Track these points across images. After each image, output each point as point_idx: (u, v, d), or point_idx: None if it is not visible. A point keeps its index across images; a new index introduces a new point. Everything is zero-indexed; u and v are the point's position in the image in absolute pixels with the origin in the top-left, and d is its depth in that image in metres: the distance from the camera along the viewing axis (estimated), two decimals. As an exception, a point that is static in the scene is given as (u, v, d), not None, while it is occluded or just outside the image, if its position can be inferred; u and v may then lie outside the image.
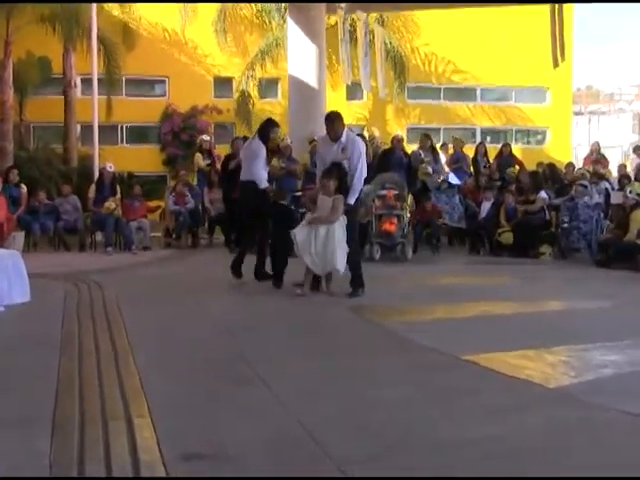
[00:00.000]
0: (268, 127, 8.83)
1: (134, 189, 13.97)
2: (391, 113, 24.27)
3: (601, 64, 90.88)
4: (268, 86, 23.04)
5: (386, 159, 13.54)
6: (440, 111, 24.53)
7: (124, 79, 20.37)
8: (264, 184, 8.69)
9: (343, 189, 7.83)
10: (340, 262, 7.81)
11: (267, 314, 7.32)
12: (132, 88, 21.75)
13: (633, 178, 14.91)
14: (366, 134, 17.31)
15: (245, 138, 14.28)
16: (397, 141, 13.98)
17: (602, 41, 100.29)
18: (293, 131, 15.58)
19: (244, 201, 8.95)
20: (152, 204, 14.88)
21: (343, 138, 7.94)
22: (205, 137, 15.69)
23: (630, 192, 11.66)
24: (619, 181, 14.91)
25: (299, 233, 7.80)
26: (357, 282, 8.12)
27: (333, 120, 8.08)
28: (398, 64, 22.56)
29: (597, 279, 10.35)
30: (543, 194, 13.04)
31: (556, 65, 16.96)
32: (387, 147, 14.56)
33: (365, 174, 8.09)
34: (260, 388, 4.70)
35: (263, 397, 4.52)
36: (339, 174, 7.83)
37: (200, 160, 15.00)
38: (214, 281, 9.23)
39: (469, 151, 16.91)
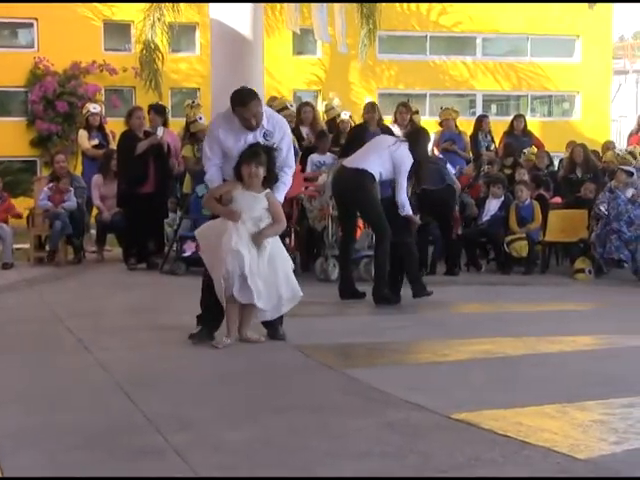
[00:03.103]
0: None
1: (-13, 181, 13.90)
2: (356, 74, 24.43)
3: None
4: (183, 35, 23.06)
5: (357, 138, 13.49)
6: (425, 70, 24.79)
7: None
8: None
9: (272, 179, 7.61)
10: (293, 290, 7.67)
11: (185, 362, 7.31)
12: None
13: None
14: (321, 104, 17.39)
15: (156, 107, 14.30)
16: (370, 111, 13.83)
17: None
18: (216, 99, 15.57)
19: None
20: (16, 203, 14.77)
21: (264, 120, 7.72)
22: (93, 107, 15.65)
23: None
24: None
25: (241, 250, 7.38)
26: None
27: (247, 102, 7.63)
28: (366, 4, 22.71)
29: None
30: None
31: (592, 2, 17.17)
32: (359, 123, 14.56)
33: (294, 163, 8.13)
34: (172, 462, 4.72)
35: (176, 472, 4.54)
36: (268, 156, 7.55)
37: (85, 140, 14.94)
38: (107, 315, 9.19)
39: (466, 126, 17.10)
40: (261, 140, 7.64)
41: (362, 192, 9.93)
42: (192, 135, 13.56)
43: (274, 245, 7.57)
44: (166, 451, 4.91)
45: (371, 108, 13.71)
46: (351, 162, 10.18)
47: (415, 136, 10.52)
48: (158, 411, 5.70)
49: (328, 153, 13.60)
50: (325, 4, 17.77)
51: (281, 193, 7.77)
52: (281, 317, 7.82)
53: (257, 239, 7.41)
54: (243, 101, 7.64)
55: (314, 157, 13.50)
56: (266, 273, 7.42)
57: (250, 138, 7.63)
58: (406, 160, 9.97)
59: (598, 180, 14.20)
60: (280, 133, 7.79)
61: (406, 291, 10.15)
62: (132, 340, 8.03)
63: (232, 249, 7.29)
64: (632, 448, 5.01)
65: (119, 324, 8.83)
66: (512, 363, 7.35)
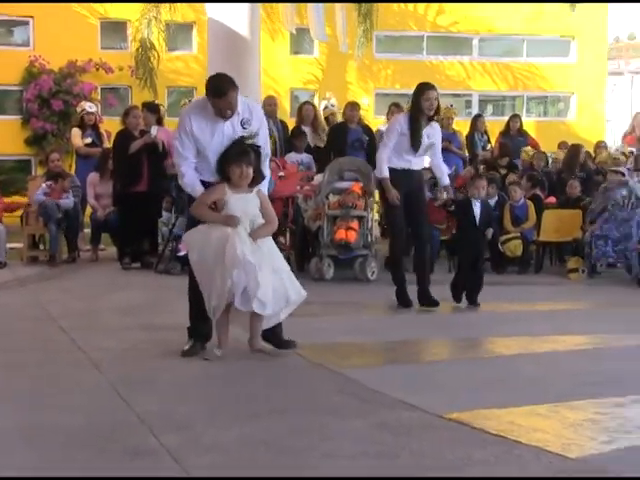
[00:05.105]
0: None
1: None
2: (353, 73, 24.45)
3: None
4: (180, 33, 23.05)
5: (337, 137, 13.53)
6: (421, 70, 24.76)
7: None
8: None
9: (259, 178, 7.25)
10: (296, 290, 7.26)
11: (179, 362, 7.31)
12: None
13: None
14: (319, 103, 17.40)
15: (150, 105, 14.29)
16: (351, 110, 13.78)
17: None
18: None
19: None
20: (10, 200, 14.77)
21: (240, 107, 7.30)
22: (89, 106, 15.65)
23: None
24: (670, 169, 15.26)
25: (250, 260, 6.90)
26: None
27: (225, 90, 7.23)
28: (364, 3, 22.72)
29: (638, 305, 10.56)
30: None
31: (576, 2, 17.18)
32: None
33: (269, 151, 7.80)
34: (164, 462, 4.73)
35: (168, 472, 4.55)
36: (256, 158, 7.20)
37: (78, 137, 14.94)
38: (101, 315, 9.20)
39: (462, 126, 17.13)
40: (239, 129, 7.28)
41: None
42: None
43: (271, 246, 7.25)
44: (158, 451, 4.93)
45: (352, 107, 13.77)
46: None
47: None
48: (151, 411, 5.72)
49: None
50: (322, 4, 17.79)
51: (265, 188, 7.49)
52: (279, 323, 7.35)
53: (252, 238, 7.02)
54: (219, 92, 7.21)
55: (292, 156, 13.49)
56: (270, 278, 6.98)
57: (228, 127, 7.26)
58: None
59: (591, 180, 14.24)
60: (257, 121, 7.42)
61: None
62: (126, 340, 8.01)
63: (240, 260, 6.82)
64: (622, 447, 5.05)
65: (113, 324, 8.84)
66: (505, 362, 7.39)
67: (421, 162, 10.01)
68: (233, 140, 7.20)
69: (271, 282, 6.96)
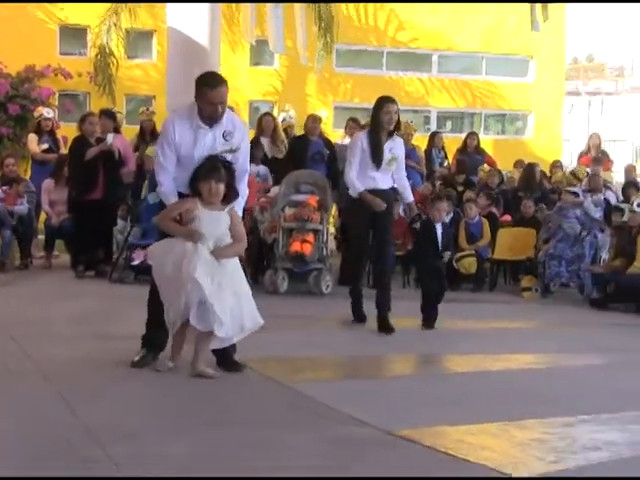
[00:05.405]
0: None
1: None
2: (313, 86, 24.48)
3: (608, 28, 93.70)
4: (139, 41, 22.96)
5: (297, 150, 13.58)
6: (381, 85, 24.79)
7: None
8: None
9: (232, 195, 7.07)
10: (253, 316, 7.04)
11: (129, 373, 7.27)
12: None
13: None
14: (279, 114, 17.41)
15: (107, 112, 14.24)
16: (313, 122, 13.84)
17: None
18: (171, 106, 15.54)
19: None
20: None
21: (224, 119, 7.15)
22: (46, 111, 15.56)
23: (639, 206, 11.98)
24: (624, 190, 15.41)
25: (201, 279, 6.71)
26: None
27: (218, 84, 7.06)
28: (324, 16, 22.77)
29: (590, 325, 10.67)
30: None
31: (537, 25, 17.38)
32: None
33: (249, 167, 7.64)
34: (109, 473, 4.71)
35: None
36: (228, 171, 7.03)
37: (34, 143, 14.85)
38: (52, 323, 9.14)
39: (421, 142, 17.21)
40: (221, 141, 7.09)
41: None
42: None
43: (235, 268, 7.06)
44: (104, 462, 4.89)
45: (313, 120, 13.80)
46: None
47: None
48: (99, 422, 5.67)
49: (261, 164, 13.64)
50: (282, 16, 17.78)
51: (240, 207, 7.29)
52: (233, 345, 7.15)
53: (215, 256, 6.81)
54: (214, 82, 7.06)
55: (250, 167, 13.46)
56: (230, 300, 6.80)
57: (209, 139, 7.07)
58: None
59: (547, 199, 14.36)
60: (240, 134, 7.25)
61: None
62: (77, 349, 7.93)
63: (193, 278, 6.62)
64: (568, 467, 5.12)
65: (65, 332, 8.75)
66: (458, 380, 7.44)
67: (387, 179, 9.66)
68: (206, 156, 7.01)
69: (230, 305, 6.81)
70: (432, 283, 9.89)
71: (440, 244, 9.84)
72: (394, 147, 9.63)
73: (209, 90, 6.97)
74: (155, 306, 7.06)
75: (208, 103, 6.98)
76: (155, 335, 7.25)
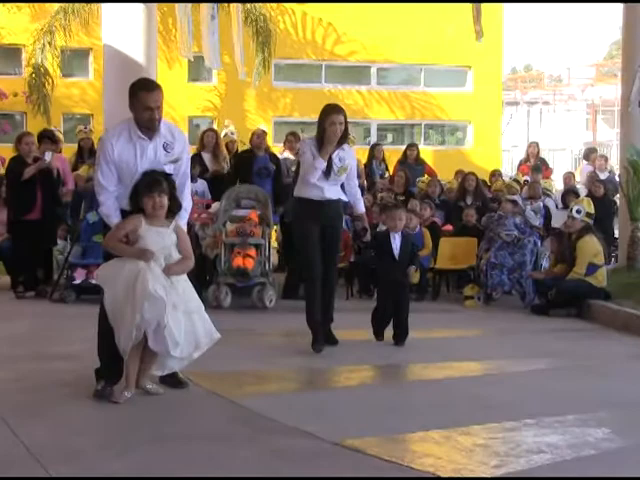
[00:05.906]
0: None
1: None
2: (252, 101, 24.51)
3: (545, 38, 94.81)
4: (76, 59, 22.84)
5: (243, 165, 13.63)
6: (320, 98, 24.80)
7: None
8: None
9: (175, 207, 6.92)
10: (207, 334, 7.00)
11: (70, 392, 7.22)
12: None
13: (584, 193, 15.63)
14: (220, 130, 17.40)
15: (46, 133, 14.14)
16: (259, 137, 13.92)
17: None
18: (110, 124, 15.48)
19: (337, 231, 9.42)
20: None
21: (162, 129, 6.96)
22: (-20, 132, 15.47)
23: (578, 212, 12.09)
24: (563, 197, 15.63)
25: (160, 295, 6.57)
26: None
27: (153, 88, 6.93)
28: (261, 31, 22.84)
29: (532, 331, 10.74)
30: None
31: (481, 36, 17.52)
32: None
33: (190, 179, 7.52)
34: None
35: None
36: (169, 183, 6.88)
37: (-29, 165, 14.72)
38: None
39: (361, 155, 17.27)
40: (161, 152, 6.91)
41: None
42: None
43: (186, 286, 6.84)
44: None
45: (260, 134, 13.84)
46: None
47: None
48: (41, 442, 5.64)
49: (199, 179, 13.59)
50: (217, 32, 17.75)
51: (184, 220, 7.14)
52: None
53: (166, 273, 6.65)
54: (149, 86, 6.96)
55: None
56: (182, 320, 6.68)
57: (150, 151, 6.87)
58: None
59: (487, 208, 14.48)
60: (180, 144, 7.06)
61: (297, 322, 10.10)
62: (17, 370, 7.84)
63: (151, 294, 6.46)
64: (512, 471, 5.18)
65: (4, 354, 8.64)
66: (400, 389, 7.49)
67: (336, 190, 9.26)
68: (143, 171, 6.83)
69: (183, 324, 6.70)
70: (387, 298, 9.55)
71: (397, 255, 9.49)
72: (344, 157, 9.17)
73: (145, 93, 6.82)
74: (107, 334, 6.75)
75: (144, 108, 6.80)
76: (110, 365, 6.93)
